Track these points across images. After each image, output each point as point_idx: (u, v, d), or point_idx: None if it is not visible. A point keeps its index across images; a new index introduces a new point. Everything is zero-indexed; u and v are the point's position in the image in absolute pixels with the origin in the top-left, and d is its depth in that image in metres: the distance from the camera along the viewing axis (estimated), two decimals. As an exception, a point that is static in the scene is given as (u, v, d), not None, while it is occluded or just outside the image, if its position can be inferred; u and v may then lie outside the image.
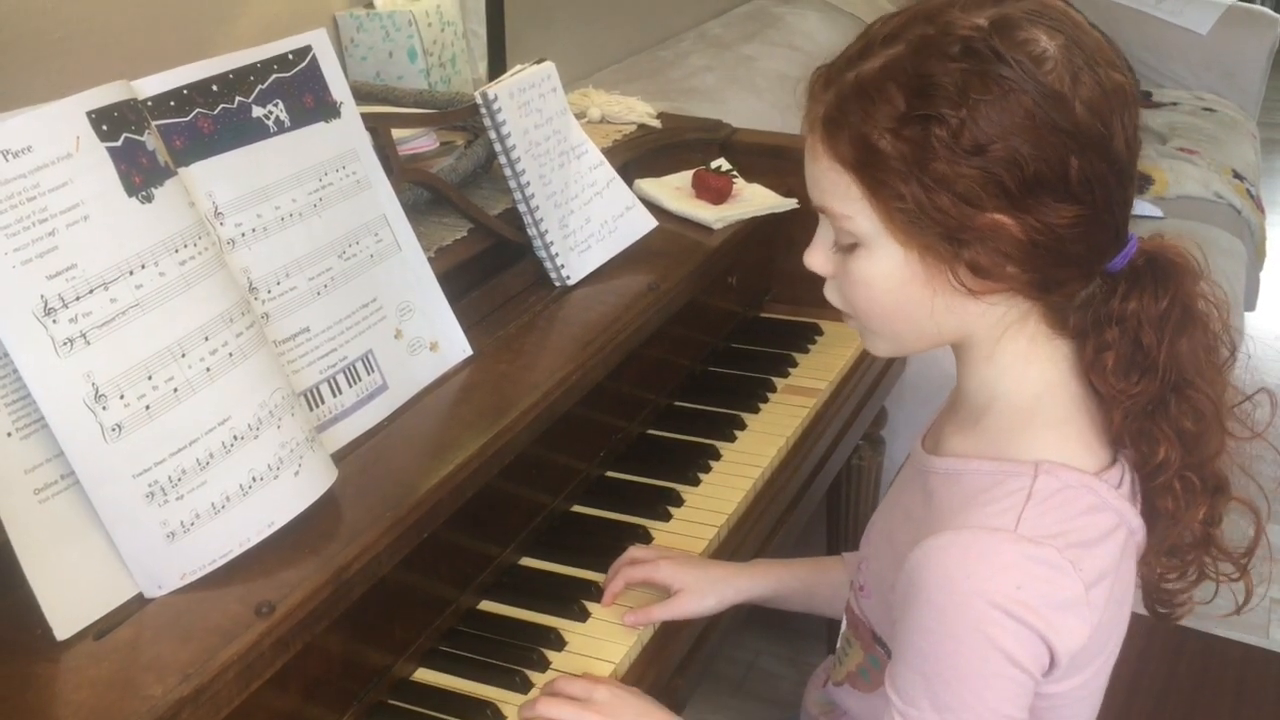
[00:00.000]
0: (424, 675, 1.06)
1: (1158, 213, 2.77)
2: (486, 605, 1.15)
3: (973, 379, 0.88)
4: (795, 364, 1.60)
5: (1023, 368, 0.85)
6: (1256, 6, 3.91)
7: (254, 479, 0.92)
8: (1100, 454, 0.85)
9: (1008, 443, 0.86)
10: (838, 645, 1.07)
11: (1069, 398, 0.86)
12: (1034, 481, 0.82)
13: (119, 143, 0.89)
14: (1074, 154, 0.77)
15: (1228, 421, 0.86)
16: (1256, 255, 2.93)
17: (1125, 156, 0.80)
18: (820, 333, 1.68)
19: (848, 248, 0.84)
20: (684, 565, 1.14)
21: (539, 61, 1.43)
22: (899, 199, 0.79)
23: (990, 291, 0.81)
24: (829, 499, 1.80)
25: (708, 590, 1.12)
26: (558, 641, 1.10)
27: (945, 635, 0.81)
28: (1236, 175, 3.01)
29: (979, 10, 0.78)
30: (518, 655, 1.08)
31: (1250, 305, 2.81)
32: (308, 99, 1.10)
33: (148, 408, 0.87)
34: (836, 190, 0.82)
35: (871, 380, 1.67)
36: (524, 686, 1.04)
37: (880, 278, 0.83)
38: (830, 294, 0.89)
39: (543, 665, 1.07)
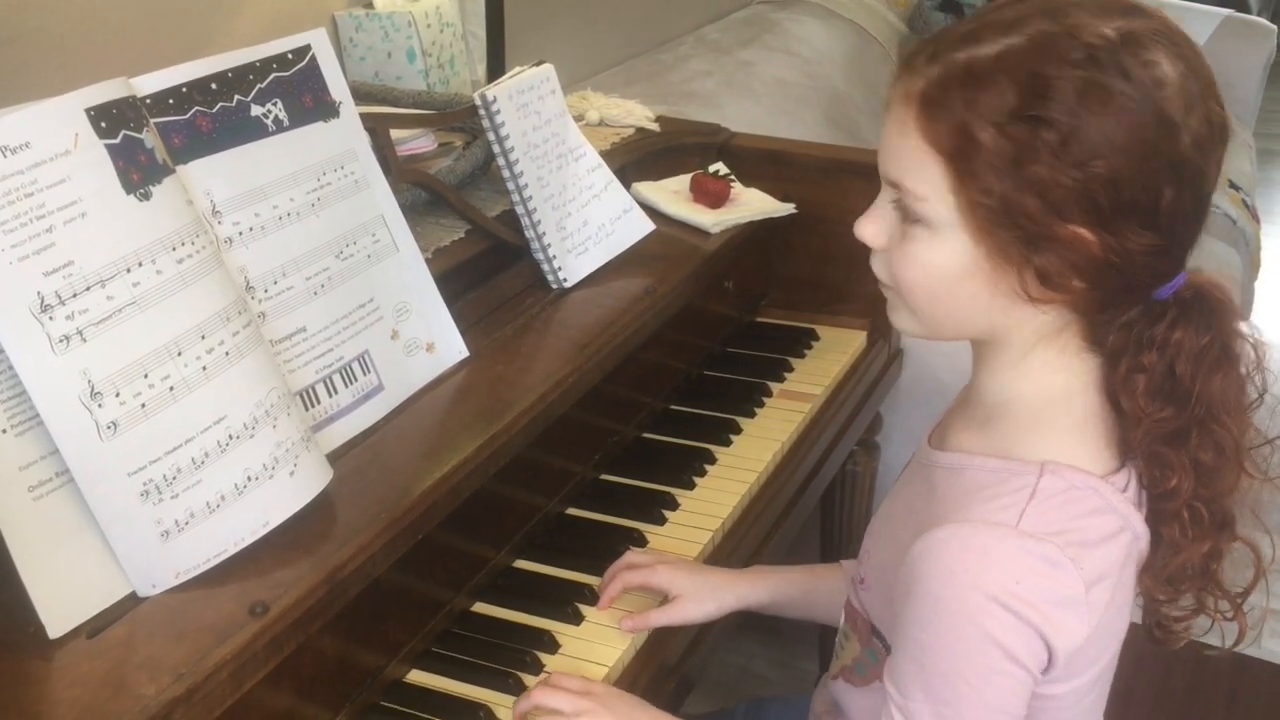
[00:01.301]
0: (417, 676, 1.06)
1: (1153, 221, 2.77)
2: (481, 607, 1.15)
3: (993, 379, 0.88)
4: (791, 369, 1.60)
5: (1048, 375, 0.85)
6: (1253, 18, 3.91)
7: (249, 478, 0.92)
8: (1108, 459, 0.86)
9: (1015, 442, 0.86)
10: (836, 640, 1.07)
11: (1085, 407, 0.86)
12: (1039, 480, 0.83)
13: (117, 140, 0.89)
14: (1170, 184, 0.77)
15: (1245, 462, 0.85)
16: (1251, 265, 2.93)
17: (1210, 193, 0.81)
18: (816, 338, 1.68)
19: (909, 223, 0.82)
20: (682, 571, 1.14)
21: (538, 64, 1.43)
22: (986, 194, 0.77)
23: (1049, 301, 0.81)
24: (824, 504, 1.80)
25: (706, 597, 1.12)
26: (551, 644, 1.10)
27: (943, 628, 0.81)
28: (1232, 185, 3.01)
29: (1106, 19, 0.77)
30: (511, 657, 1.08)
31: (1245, 315, 2.81)
32: (306, 98, 1.10)
33: (143, 406, 0.87)
34: (919, 170, 0.80)
35: (867, 386, 1.67)
36: (517, 689, 1.04)
37: (941, 264, 0.81)
38: (877, 266, 0.87)
39: (536, 668, 1.07)
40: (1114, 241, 0.77)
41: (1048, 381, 0.86)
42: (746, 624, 1.23)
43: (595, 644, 1.11)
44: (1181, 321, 0.82)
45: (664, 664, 1.13)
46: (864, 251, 1.77)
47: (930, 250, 0.82)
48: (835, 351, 1.65)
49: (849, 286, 1.74)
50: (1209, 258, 2.58)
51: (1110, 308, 0.82)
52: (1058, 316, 0.83)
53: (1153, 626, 0.93)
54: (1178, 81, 0.77)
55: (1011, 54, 0.77)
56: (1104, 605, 0.83)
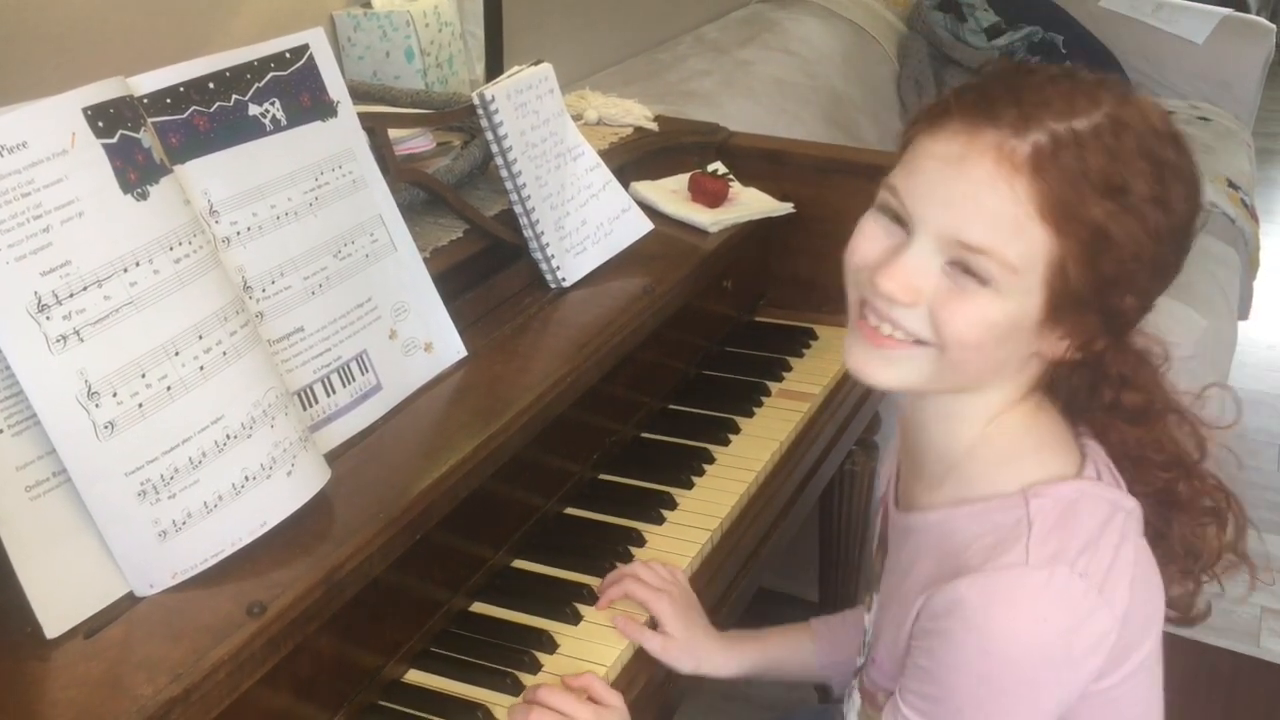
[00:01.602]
0: (415, 676, 1.06)
1: (1152, 221, 2.77)
2: (479, 607, 1.15)
3: (958, 431, 0.88)
4: (789, 368, 1.60)
5: (1012, 418, 0.88)
6: (1252, 17, 3.92)
7: (247, 478, 0.92)
8: (1073, 455, 0.88)
9: (990, 481, 0.87)
10: None
11: (1041, 427, 0.88)
12: (1028, 509, 0.84)
13: (115, 139, 0.89)
14: (1181, 257, 0.83)
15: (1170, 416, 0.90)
16: (1250, 264, 2.93)
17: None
18: (815, 337, 1.68)
19: (965, 277, 0.79)
20: (680, 614, 1.13)
21: (536, 63, 1.43)
22: (1088, 273, 0.78)
23: (1073, 358, 0.84)
24: (822, 504, 1.79)
25: (688, 653, 1.12)
26: (549, 644, 1.10)
27: (985, 690, 0.83)
28: (1231, 184, 3.01)
29: (1156, 108, 0.81)
30: (509, 657, 1.08)
31: (1244, 315, 2.81)
32: (304, 98, 1.10)
33: (140, 406, 0.87)
34: (1018, 239, 0.77)
35: (865, 386, 1.66)
36: (515, 689, 1.04)
37: (1003, 324, 0.80)
38: (912, 321, 0.81)
39: (534, 667, 1.07)
40: (1144, 306, 0.83)
41: (1012, 422, 0.88)
42: (744, 624, 1.23)
43: (593, 644, 1.11)
44: (1126, 352, 0.88)
45: (662, 665, 1.13)
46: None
47: (995, 310, 0.79)
48: (833, 351, 1.65)
49: (847, 286, 1.74)
50: (1208, 257, 2.58)
51: (1073, 367, 0.87)
52: (1040, 371, 0.87)
53: (1169, 612, 0.94)
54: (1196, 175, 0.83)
55: (1107, 122, 0.78)
56: (1125, 591, 0.83)
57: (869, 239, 0.84)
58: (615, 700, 1.02)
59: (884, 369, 0.84)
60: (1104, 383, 0.88)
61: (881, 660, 0.99)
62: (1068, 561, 0.81)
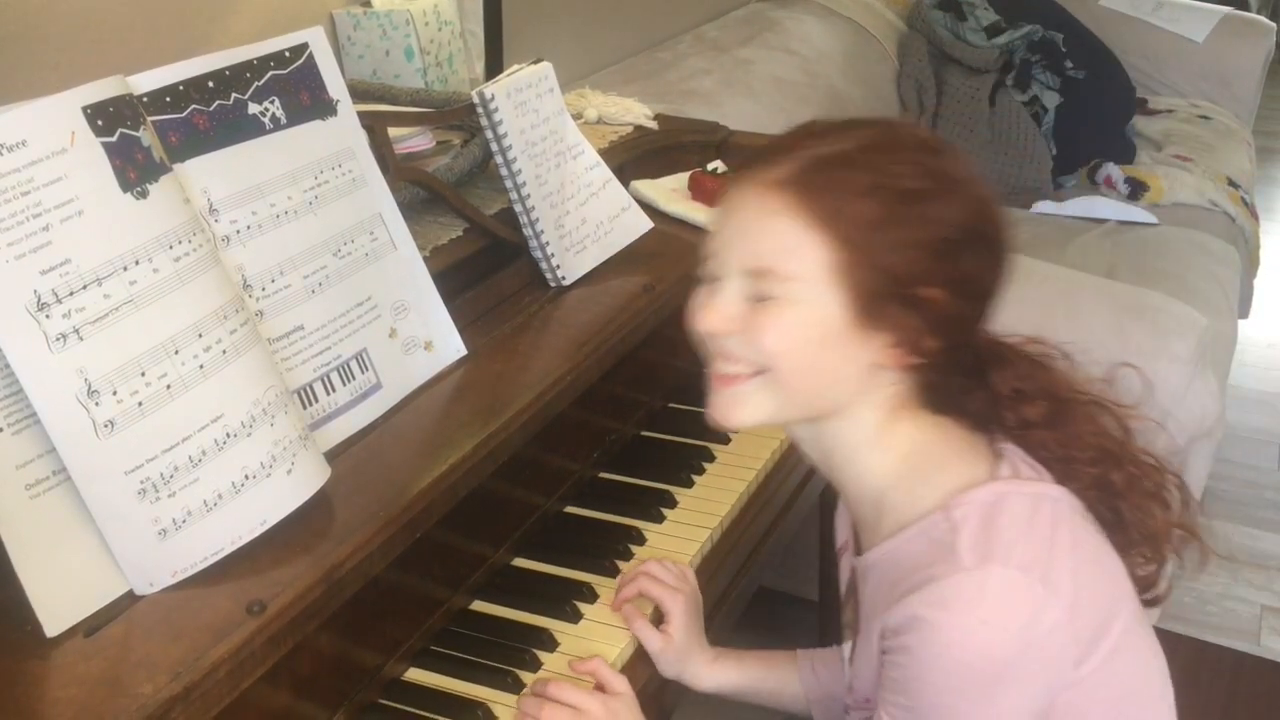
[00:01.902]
0: (416, 675, 1.06)
1: (1152, 219, 2.77)
2: (479, 605, 1.15)
3: (859, 470, 0.92)
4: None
5: (904, 444, 0.91)
6: (1252, 15, 3.91)
7: (246, 477, 0.92)
8: (985, 459, 0.91)
9: (912, 505, 0.90)
10: None
11: (945, 444, 0.91)
12: (952, 518, 0.87)
13: (114, 138, 0.88)
14: (989, 253, 0.87)
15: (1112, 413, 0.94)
16: (1250, 263, 2.93)
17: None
18: (815, 336, 1.68)
19: (762, 302, 0.86)
20: (686, 618, 1.13)
21: (536, 61, 1.43)
22: (869, 261, 0.83)
23: (906, 365, 0.87)
24: (823, 501, 1.79)
25: (679, 658, 1.12)
26: (550, 642, 1.10)
27: (960, 698, 0.84)
28: (1231, 183, 3.01)
29: (922, 128, 0.91)
30: (510, 656, 1.08)
31: (1244, 313, 2.81)
32: (304, 96, 1.10)
33: (140, 404, 0.87)
34: (791, 250, 0.85)
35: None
36: (516, 687, 1.04)
37: (812, 327, 0.85)
38: (735, 346, 0.88)
39: (534, 666, 1.07)
40: (958, 301, 0.86)
41: (906, 448, 0.91)
42: (743, 624, 1.23)
43: (594, 642, 1.11)
44: (1006, 365, 0.92)
45: (662, 662, 1.13)
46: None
47: (799, 314, 0.85)
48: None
49: (847, 285, 1.74)
50: (1208, 255, 2.58)
51: (943, 369, 0.90)
52: (901, 387, 0.90)
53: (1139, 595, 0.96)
54: (979, 183, 0.89)
55: (863, 143, 0.86)
56: (1067, 577, 0.84)
57: (697, 304, 0.90)
58: (623, 687, 1.03)
59: (736, 408, 0.91)
60: (1002, 405, 0.92)
61: (859, 696, 1.00)
62: (1000, 560, 0.83)
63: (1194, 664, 1.34)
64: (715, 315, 0.88)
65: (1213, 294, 2.39)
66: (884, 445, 0.91)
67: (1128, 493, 0.92)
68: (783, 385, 0.88)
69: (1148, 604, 0.96)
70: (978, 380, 0.92)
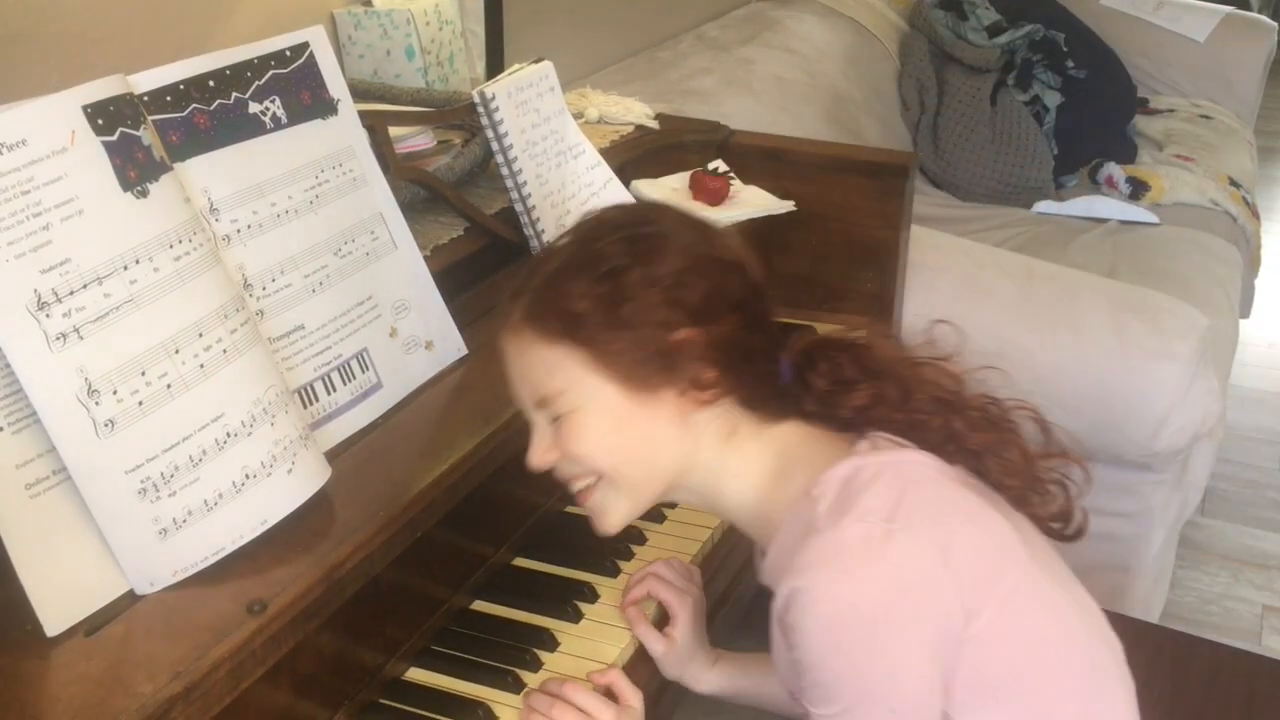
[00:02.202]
0: (416, 674, 1.06)
1: (1154, 219, 2.77)
2: (480, 605, 1.15)
3: (734, 503, 0.97)
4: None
5: (754, 461, 0.96)
6: (1254, 15, 3.91)
7: (247, 476, 0.92)
8: (839, 448, 0.94)
9: (785, 505, 0.94)
10: None
11: (788, 446, 0.96)
12: (810, 497, 0.91)
13: (115, 137, 0.88)
14: (723, 277, 0.93)
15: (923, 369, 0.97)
16: (1251, 263, 2.93)
17: (757, 283, 0.96)
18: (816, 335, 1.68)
19: (562, 420, 0.93)
20: (691, 621, 1.13)
21: (537, 61, 1.43)
22: (611, 342, 0.91)
23: (706, 401, 0.93)
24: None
25: (681, 661, 1.13)
26: (550, 642, 1.10)
27: (851, 658, 0.86)
28: (1233, 183, 3.01)
29: (618, 207, 0.97)
30: (510, 655, 1.07)
31: (1245, 313, 2.81)
32: (305, 96, 1.10)
33: (140, 403, 0.87)
34: (551, 370, 0.93)
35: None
36: (516, 687, 1.04)
37: (605, 419, 0.93)
38: (568, 469, 0.96)
39: (535, 666, 1.07)
40: (713, 329, 0.92)
41: (761, 464, 0.96)
42: (745, 625, 1.23)
43: (595, 642, 1.11)
44: (816, 363, 0.96)
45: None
46: (863, 249, 1.77)
47: (585, 418, 0.93)
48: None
49: (848, 284, 1.74)
50: (1209, 255, 2.58)
51: (751, 385, 0.95)
52: (722, 415, 0.95)
53: (1054, 536, 0.98)
54: (686, 220, 0.98)
55: (569, 251, 0.94)
56: (926, 524, 0.87)
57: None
58: (636, 701, 1.03)
59: (602, 518, 0.98)
60: (830, 400, 0.95)
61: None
62: (853, 516, 0.87)
63: (1211, 668, 1.33)
64: (535, 454, 0.97)
65: (1214, 294, 2.39)
66: (737, 472, 0.96)
67: (975, 433, 0.94)
68: (619, 478, 0.95)
69: (1070, 537, 0.98)
70: (799, 383, 0.96)
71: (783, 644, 0.91)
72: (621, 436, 0.94)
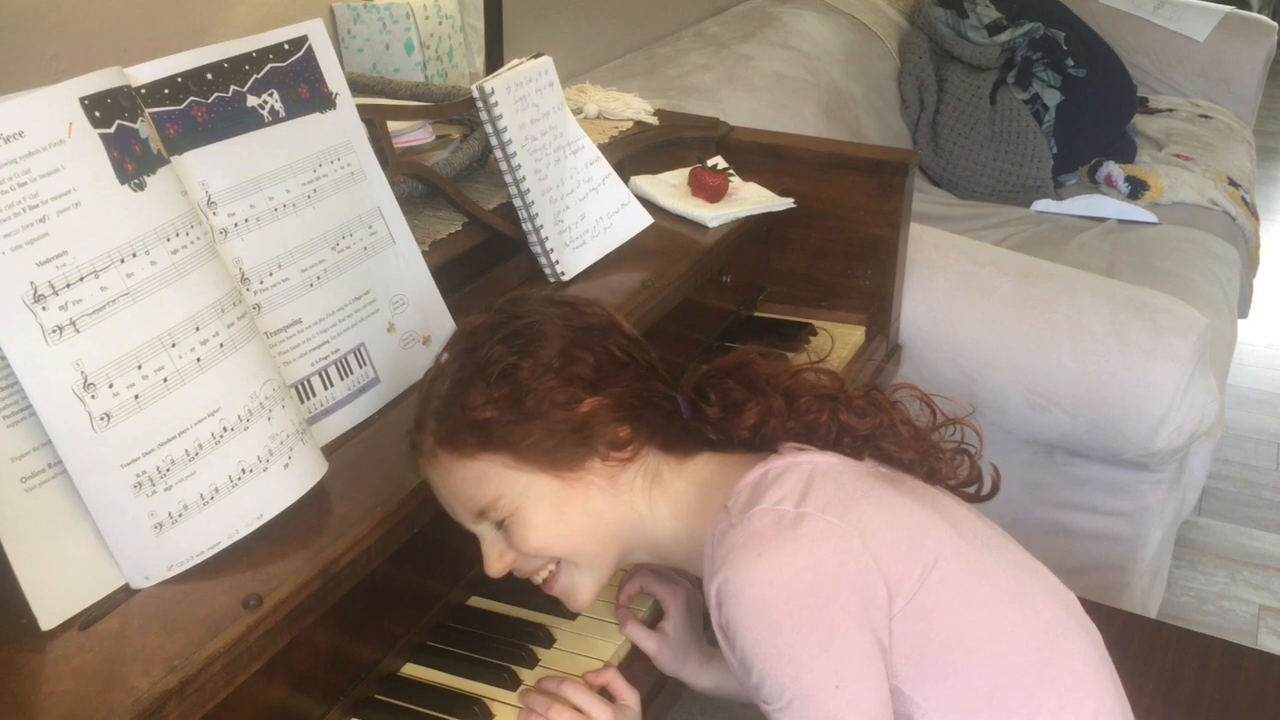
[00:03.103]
0: (412, 670, 1.06)
1: (1152, 219, 2.77)
2: (476, 601, 1.15)
3: (679, 545, 1.00)
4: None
5: (680, 498, 0.99)
6: (1254, 14, 3.91)
7: (243, 471, 0.92)
8: (750, 463, 0.98)
9: (706, 525, 0.97)
10: None
11: (715, 467, 1.00)
12: (725, 508, 0.95)
13: (112, 130, 0.88)
14: (599, 343, 0.97)
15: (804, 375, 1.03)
16: (1250, 263, 2.93)
17: (625, 342, 1.00)
18: (814, 333, 1.68)
19: (507, 524, 0.96)
20: (684, 615, 1.14)
21: (536, 56, 1.42)
22: (527, 437, 0.94)
23: (628, 457, 0.97)
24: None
25: (677, 656, 1.13)
26: (546, 638, 1.10)
27: (785, 640, 0.88)
28: (1232, 183, 3.00)
29: (483, 313, 1.00)
30: (507, 651, 1.07)
31: (1243, 313, 2.81)
32: (303, 89, 1.09)
33: (137, 397, 0.87)
34: (479, 483, 0.95)
35: (867, 378, 1.66)
36: (513, 683, 1.04)
37: (547, 510, 0.96)
38: (529, 566, 1.00)
39: (531, 662, 1.07)
40: (609, 391, 0.96)
41: (687, 499, 0.99)
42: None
43: (590, 638, 1.11)
44: (707, 394, 1.01)
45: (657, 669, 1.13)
46: (862, 246, 1.77)
47: (526, 514, 0.96)
48: (834, 346, 1.65)
49: (847, 281, 1.74)
50: (1209, 255, 2.58)
51: (661, 428, 1.00)
52: (644, 465, 0.99)
53: (968, 495, 1.04)
54: (548, 300, 1.02)
55: (456, 370, 0.97)
56: (841, 506, 0.91)
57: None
58: (633, 700, 1.04)
59: (572, 599, 1.01)
60: (725, 427, 1.00)
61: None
62: (759, 506, 0.92)
63: (1231, 665, 1.33)
64: (491, 564, 0.99)
65: (1213, 294, 2.39)
66: (667, 513, 0.99)
67: (862, 420, 0.99)
68: (577, 557, 0.99)
69: (987, 496, 1.04)
70: (697, 416, 1.01)
71: (729, 649, 0.93)
72: (566, 519, 0.97)
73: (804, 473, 0.95)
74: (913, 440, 1.00)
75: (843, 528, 0.90)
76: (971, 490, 1.04)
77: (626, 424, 0.97)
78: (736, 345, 1.63)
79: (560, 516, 0.97)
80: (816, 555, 0.90)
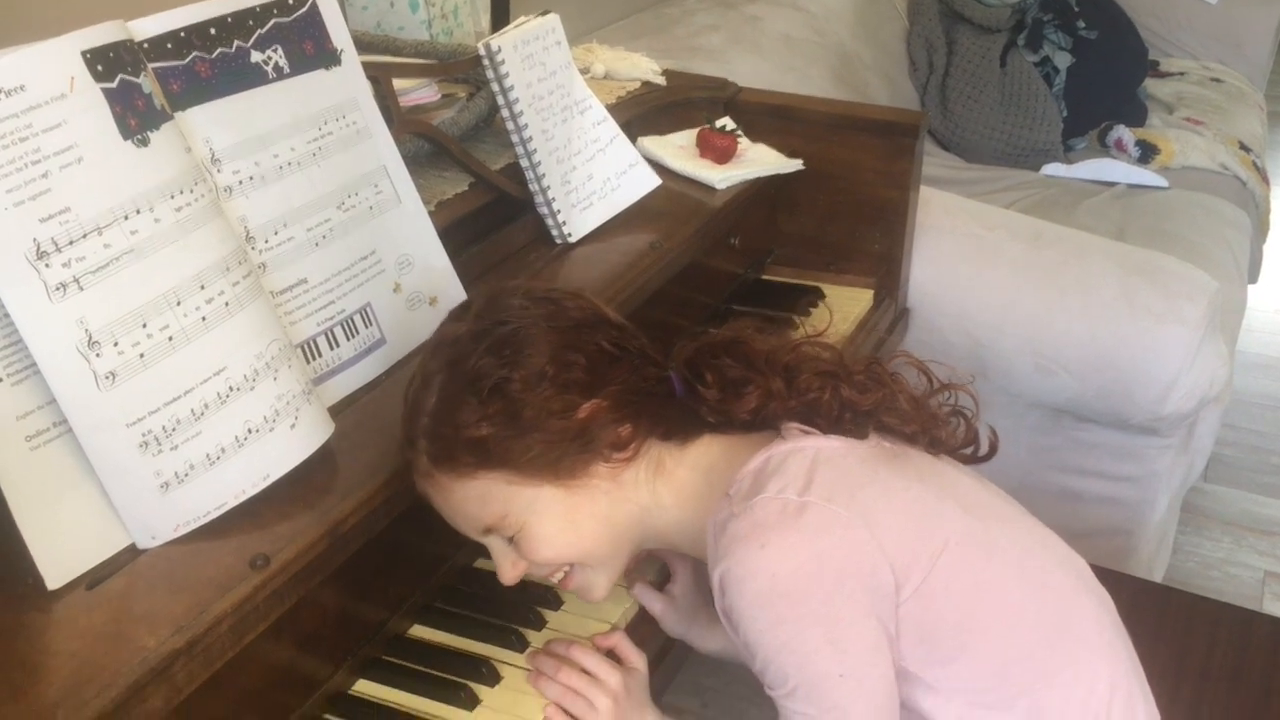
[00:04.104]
0: (420, 631, 1.06)
1: (1163, 183, 2.74)
2: (484, 562, 1.14)
3: (685, 533, 0.99)
4: (796, 327, 1.58)
5: (686, 485, 0.98)
6: (1267, -23, 3.86)
7: (249, 431, 0.91)
8: (765, 442, 0.96)
9: (710, 513, 0.96)
10: None
11: (719, 452, 0.98)
12: (727, 496, 0.94)
13: (114, 84, 0.87)
14: (591, 341, 0.95)
15: (801, 349, 1.01)
16: (1260, 228, 2.91)
17: (616, 333, 0.98)
18: (822, 296, 1.67)
19: (517, 538, 0.95)
20: (691, 580, 1.13)
21: (543, 14, 1.40)
22: (526, 451, 0.91)
23: (632, 455, 0.95)
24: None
25: (683, 620, 1.13)
26: (554, 600, 1.09)
27: (790, 630, 0.88)
28: (1243, 147, 2.98)
29: (460, 318, 0.97)
30: (514, 613, 1.07)
31: (1253, 278, 2.79)
32: (308, 45, 1.08)
33: (142, 356, 0.86)
34: (482, 502, 0.93)
35: (873, 345, 1.65)
36: (520, 644, 1.04)
37: (556, 520, 0.94)
38: (540, 572, 0.99)
39: (539, 624, 1.07)
40: (605, 390, 0.94)
41: (691, 486, 0.98)
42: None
43: (599, 601, 1.10)
44: (702, 373, 0.99)
45: (659, 637, 1.12)
46: (871, 209, 1.75)
47: (536, 526, 0.94)
48: (841, 310, 1.64)
49: (856, 244, 1.73)
50: (1220, 220, 2.56)
51: (660, 417, 0.97)
52: (646, 457, 0.97)
53: (970, 458, 1.03)
54: (525, 297, 0.97)
55: (444, 385, 0.93)
56: (847, 494, 0.90)
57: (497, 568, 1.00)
58: (640, 663, 1.04)
59: (589, 595, 1.01)
60: (724, 411, 0.97)
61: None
62: (762, 496, 0.90)
63: (1241, 632, 1.33)
64: (506, 573, 0.98)
65: (1223, 258, 2.37)
66: (671, 502, 0.98)
67: (865, 395, 0.97)
68: (590, 559, 0.98)
69: (985, 457, 1.02)
70: (692, 396, 0.99)
71: (732, 633, 0.92)
72: (576, 527, 0.95)
73: (807, 458, 0.93)
74: (914, 413, 0.99)
75: (848, 516, 0.89)
76: (968, 452, 1.02)
77: (626, 421, 0.95)
78: (744, 309, 1.62)
79: (570, 525, 0.95)
80: (821, 545, 0.89)
